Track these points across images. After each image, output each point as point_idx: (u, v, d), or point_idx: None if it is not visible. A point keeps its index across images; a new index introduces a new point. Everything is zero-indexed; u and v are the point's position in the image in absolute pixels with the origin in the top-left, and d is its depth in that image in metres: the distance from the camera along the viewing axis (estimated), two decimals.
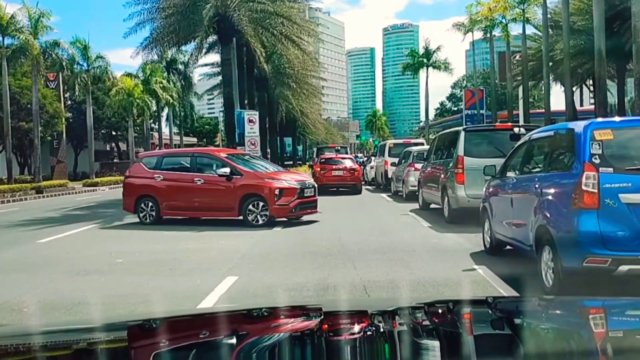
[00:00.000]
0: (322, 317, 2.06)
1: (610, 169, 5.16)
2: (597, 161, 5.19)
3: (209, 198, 12.46)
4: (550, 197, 5.80)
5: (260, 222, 11.90)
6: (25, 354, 1.76)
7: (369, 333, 1.81)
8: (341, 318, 2.09)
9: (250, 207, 12.01)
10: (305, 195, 12.43)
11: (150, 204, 12.97)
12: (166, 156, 14.37)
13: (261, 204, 12.00)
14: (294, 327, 1.96)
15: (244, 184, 12.17)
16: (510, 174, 7.39)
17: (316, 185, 13.42)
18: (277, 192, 11.98)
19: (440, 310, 2.19)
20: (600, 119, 6.33)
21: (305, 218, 12.70)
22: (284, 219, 12.30)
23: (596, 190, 5.12)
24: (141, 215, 13.09)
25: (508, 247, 7.45)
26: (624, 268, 5.02)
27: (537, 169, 6.68)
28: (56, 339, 1.95)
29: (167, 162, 13.49)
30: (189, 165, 13.05)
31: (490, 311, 2.17)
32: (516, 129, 11.03)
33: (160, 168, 13.24)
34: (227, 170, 12.30)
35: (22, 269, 8.25)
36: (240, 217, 12.10)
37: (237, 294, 6.25)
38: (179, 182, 12.87)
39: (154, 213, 12.95)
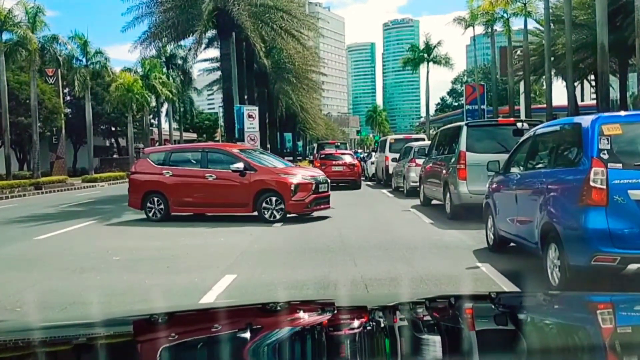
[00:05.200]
0: (335, 311, 2.06)
1: (619, 165, 5.02)
2: (606, 156, 5.05)
3: (221, 194, 12.24)
4: (556, 194, 5.65)
5: (278, 217, 11.76)
6: (23, 349, 1.72)
7: (368, 328, 1.79)
8: (346, 313, 2.06)
9: (266, 202, 11.86)
10: (320, 190, 12.30)
11: (158, 200, 12.72)
12: (174, 151, 14.02)
13: (277, 199, 11.84)
14: (304, 321, 1.93)
15: (259, 179, 12.01)
16: (514, 169, 7.26)
17: (329, 180, 13.24)
18: (292, 187, 11.83)
19: (444, 305, 2.14)
20: (608, 114, 6.17)
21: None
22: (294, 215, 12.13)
23: (604, 187, 4.97)
24: (149, 212, 12.83)
25: (512, 244, 7.32)
26: (633, 266, 4.89)
27: (542, 165, 6.54)
28: (56, 335, 1.92)
29: (175, 158, 13.18)
30: (199, 161, 12.80)
31: (492, 306, 2.12)
32: (519, 124, 10.86)
33: (168, 164, 12.95)
34: (240, 165, 12.11)
35: (18, 267, 8.13)
36: (255, 213, 11.94)
37: (236, 292, 6.12)
38: (189, 177, 12.62)
39: (162, 210, 12.70)
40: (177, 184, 12.64)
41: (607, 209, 4.97)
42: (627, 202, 4.93)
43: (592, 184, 5.02)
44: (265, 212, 11.84)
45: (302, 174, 12.58)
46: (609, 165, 5.01)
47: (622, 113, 7.31)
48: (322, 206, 12.48)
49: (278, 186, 11.90)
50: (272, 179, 12.07)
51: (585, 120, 5.48)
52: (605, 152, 5.07)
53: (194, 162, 12.90)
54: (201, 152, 13.14)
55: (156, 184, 12.80)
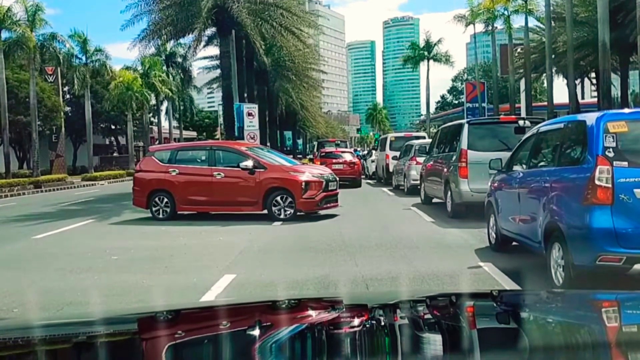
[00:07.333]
0: (344, 309, 2.05)
1: (625, 163, 4.92)
2: (611, 154, 4.95)
3: (230, 192, 12.12)
4: (560, 192, 5.56)
5: (288, 215, 11.68)
6: (23, 348, 1.71)
7: (369, 326, 1.79)
8: (347, 312, 2.03)
9: (275, 201, 11.77)
10: (329, 188, 12.23)
11: (164, 199, 12.57)
12: (181, 149, 13.86)
13: (287, 197, 11.75)
14: (307, 319, 1.91)
15: (269, 177, 11.93)
16: (517, 167, 7.17)
17: (337, 179, 13.14)
18: (303, 185, 11.75)
19: (445, 303, 2.12)
20: (613, 111, 6.07)
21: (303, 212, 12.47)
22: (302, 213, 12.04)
23: (610, 185, 4.88)
24: (154, 210, 12.67)
25: (514, 243, 7.23)
26: (639, 266, 4.80)
27: (546, 163, 6.45)
28: (56, 333, 1.91)
29: (182, 156, 13.04)
30: (207, 159, 12.65)
31: (494, 304, 2.09)
32: (521, 122, 10.79)
33: (174, 162, 12.80)
34: (250, 163, 12.01)
35: (15, 266, 8.06)
36: (264, 212, 11.87)
37: (235, 292, 6.04)
38: (197, 176, 12.48)
39: (168, 209, 12.54)
40: (184, 182, 12.51)
41: (613, 208, 4.87)
42: (633, 201, 4.84)
43: (597, 182, 4.93)
44: (276, 211, 11.76)
45: (311, 172, 12.51)
46: (615, 163, 4.91)
47: (627, 110, 7.23)
48: (331, 204, 12.40)
49: (289, 184, 11.81)
50: (282, 177, 11.98)
51: (590, 118, 5.38)
52: (611, 150, 4.97)
53: (201, 160, 12.75)
54: (208, 150, 12.96)
55: (162, 183, 12.66)
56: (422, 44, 49.92)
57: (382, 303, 2.12)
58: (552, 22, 26.63)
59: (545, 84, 36.60)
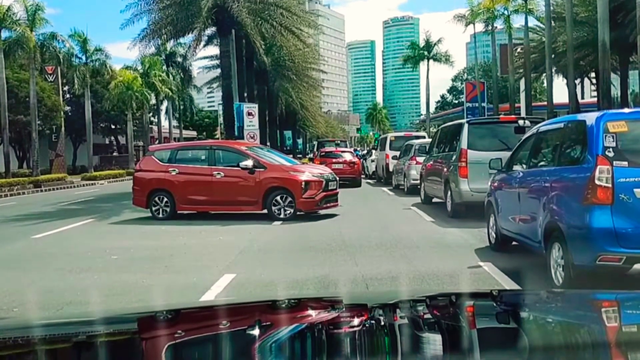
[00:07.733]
0: (343, 309, 2.06)
1: (625, 163, 4.92)
2: (611, 154, 4.95)
3: (230, 192, 12.13)
4: (560, 192, 5.56)
5: (288, 215, 11.68)
6: (23, 347, 1.71)
7: (368, 326, 1.79)
8: (347, 311, 2.03)
9: (275, 200, 11.78)
10: (329, 188, 12.24)
11: (164, 198, 12.58)
12: (181, 149, 13.88)
13: (287, 197, 11.76)
14: (307, 319, 1.91)
15: (269, 177, 11.94)
16: (517, 167, 7.17)
17: (337, 178, 13.14)
18: (303, 185, 11.77)
19: (445, 303, 2.12)
20: (613, 111, 6.07)
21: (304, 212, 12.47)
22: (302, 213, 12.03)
23: (610, 185, 4.88)
24: (154, 210, 12.68)
25: (514, 243, 7.23)
26: (639, 266, 4.80)
27: (546, 163, 6.45)
28: (56, 332, 1.91)
29: (182, 155, 13.06)
30: (206, 158, 12.65)
31: (494, 304, 2.10)
32: (521, 122, 10.80)
33: (174, 161, 12.81)
34: (249, 163, 12.02)
35: (14, 266, 8.06)
36: (264, 211, 11.88)
37: (235, 292, 6.05)
38: (197, 175, 12.49)
39: (168, 208, 12.55)
40: (184, 182, 12.51)
41: (613, 207, 4.87)
42: (633, 200, 4.84)
43: (597, 182, 4.93)
44: (276, 210, 11.77)
45: (311, 171, 12.52)
46: (615, 163, 4.92)
47: (627, 110, 7.23)
48: (331, 204, 12.41)
49: (288, 184, 11.82)
50: (282, 176, 12.00)
51: (590, 118, 5.39)
52: (611, 149, 4.98)
53: (201, 159, 12.75)
54: (208, 150, 12.96)
55: (162, 182, 12.66)
56: (422, 43, 49.98)
57: (382, 303, 2.12)
58: (552, 22, 26.64)
59: (545, 84, 36.61)
